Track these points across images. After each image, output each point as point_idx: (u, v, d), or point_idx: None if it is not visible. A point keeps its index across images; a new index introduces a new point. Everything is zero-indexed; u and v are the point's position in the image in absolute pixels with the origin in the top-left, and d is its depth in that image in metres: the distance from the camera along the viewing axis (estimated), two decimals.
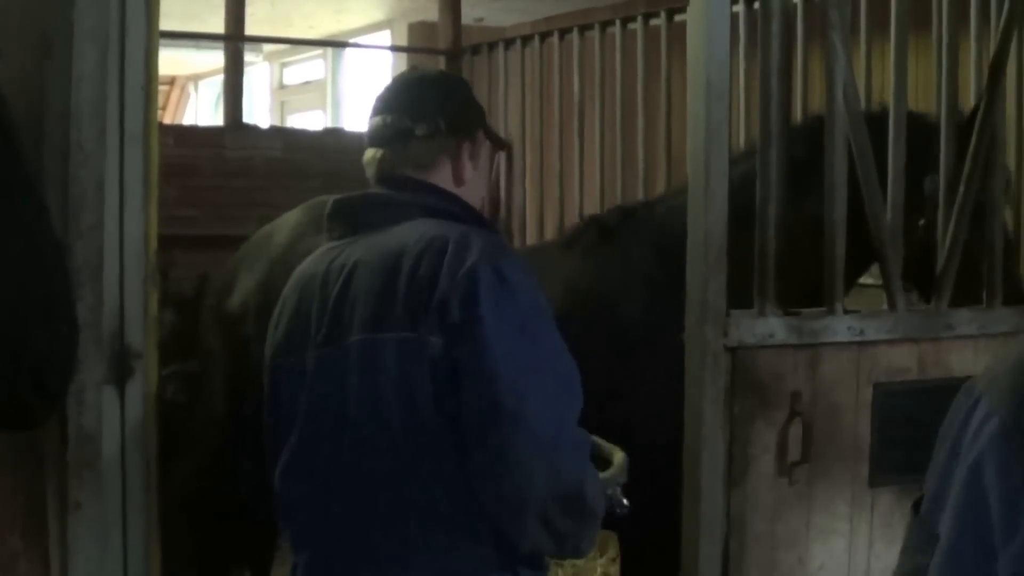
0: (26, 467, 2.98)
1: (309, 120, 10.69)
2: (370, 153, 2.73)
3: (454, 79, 3.01)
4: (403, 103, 2.68)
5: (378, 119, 2.70)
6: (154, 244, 3.20)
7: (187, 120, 11.28)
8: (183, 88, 12.57)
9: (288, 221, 4.99)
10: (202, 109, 12.67)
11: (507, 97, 6.92)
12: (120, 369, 3.09)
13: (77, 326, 2.41)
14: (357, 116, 10.56)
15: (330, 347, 2.56)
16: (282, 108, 11.31)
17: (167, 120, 8.87)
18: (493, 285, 2.38)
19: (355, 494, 2.50)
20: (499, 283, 2.39)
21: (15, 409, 2.22)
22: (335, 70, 10.98)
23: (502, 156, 6.26)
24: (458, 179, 2.67)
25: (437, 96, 2.70)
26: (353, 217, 2.70)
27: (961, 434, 1.34)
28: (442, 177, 2.66)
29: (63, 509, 3.00)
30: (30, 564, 2.98)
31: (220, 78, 8.65)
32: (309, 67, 11.46)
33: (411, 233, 2.53)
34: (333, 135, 7.49)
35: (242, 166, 6.68)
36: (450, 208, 2.62)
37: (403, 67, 9.42)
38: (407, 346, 2.42)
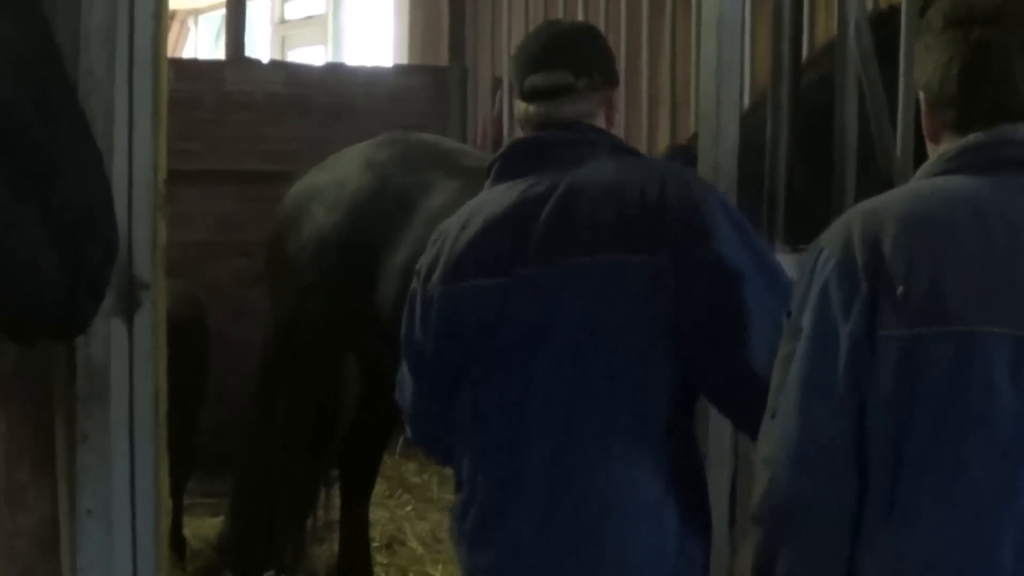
0: (34, 399, 2.97)
1: (310, 55, 10.60)
2: (530, 108, 2.84)
3: (594, 30, 3.14)
4: (560, 59, 2.81)
5: (537, 76, 2.81)
6: (163, 174, 3.17)
7: (187, 55, 11.17)
8: (183, 22, 12.48)
9: (360, 160, 4.93)
10: (202, 44, 12.58)
11: (511, 31, 6.86)
12: (128, 300, 3.08)
13: (118, 237, 2.54)
14: (358, 51, 10.48)
15: (544, 266, 2.68)
16: (283, 43, 11.21)
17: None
18: (720, 208, 2.65)
19: (556, 411, 2.63)
20: (723, 207, 2.67)
21: (73, 310, 2.36)
22: (336, 5, 10.88)
23: (503, 92, 6.22)
24: (610, 124, 2.87)
25: (590, 50, 2.88)
26: (540, 156, 2.80)
27: (812, 271, 2.04)
28: (600, 121, 2.85)
29: (71, 441, 2.99)
30: (38, 496, 2.98)
31: (220, 12, 8.58)
32: (310, 1, 11.35)
33: (621, 167, 2.73)
34: (335, 70, 7.43)
35: (243, 100, 6.63)
36: (629, 147, 2.86)
37: (405, 2, 9.33)
38: (642, 268, 2.61)
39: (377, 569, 5.52)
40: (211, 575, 5.32)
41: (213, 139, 6.50)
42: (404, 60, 8.86)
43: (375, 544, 5.68)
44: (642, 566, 2.60)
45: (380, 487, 6.41)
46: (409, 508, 6.13)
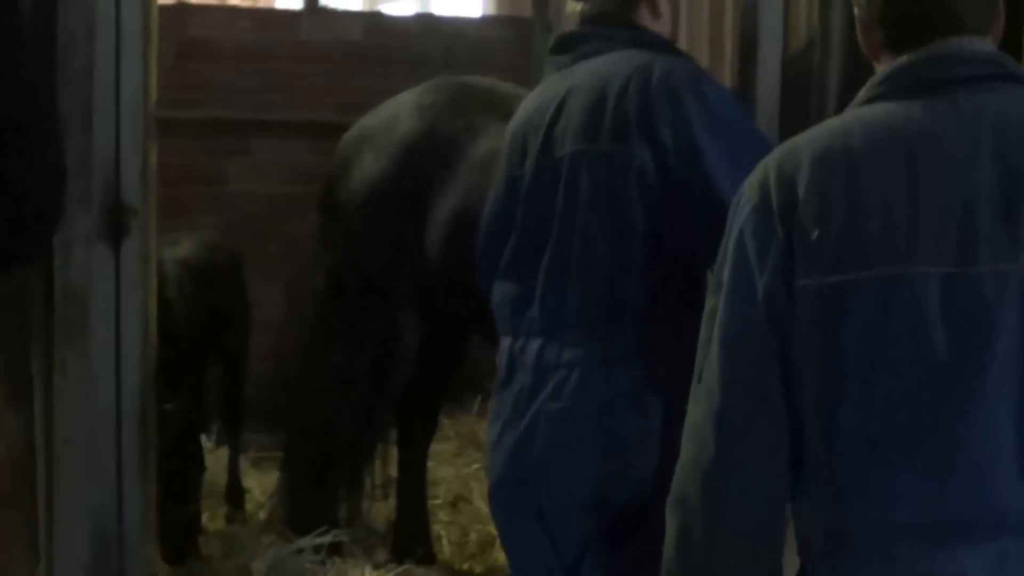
0: (10, 327, 2.88)
1: (400, 7, 10.41)
2: (575, 7, 2.86)
3: None
4: None
5: None
6: (153, 95, 3.07)
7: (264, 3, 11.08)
8: None
9: (409, 104, 4.82)
10: None
11: None
12: (115, 226, 2.99)
13: (65, 171, 2.40)
14: (448, 3, 10.29)
15: (543, 161, 2.73)
16: None
17: (245, 4, 8.70)
18: (700, 109, 2.58)
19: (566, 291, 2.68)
20: (704, 107, 2.60)
21: None
22: None
23: None
24: (655, 13, 2.82)
25: None
26: (570, 49, 2.82)
27: (733, 219, 1.89)
28: (640, 15, 2.81)
29: (48, 369, 2.92)
30: (14, 425, 2.88)
31: None
32: None
33: (619, 59, 2.71)
34: (421, 21, 7.30)
35: (321, 51, 6.53)
36: (653, 39, 2.80)
37: None
38: (615, 159, 2.61)
39: (439, 527, 5.39)
40: (272, 527, 5.21)
41: (290, 90, 6.42)
42: (493, 12, 8.70)
43: (438, 501, 5.55)
44: None
45: (450, 445, 6.28)
46: (477, 467, 5.97)
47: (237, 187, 6.22)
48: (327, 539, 4.87)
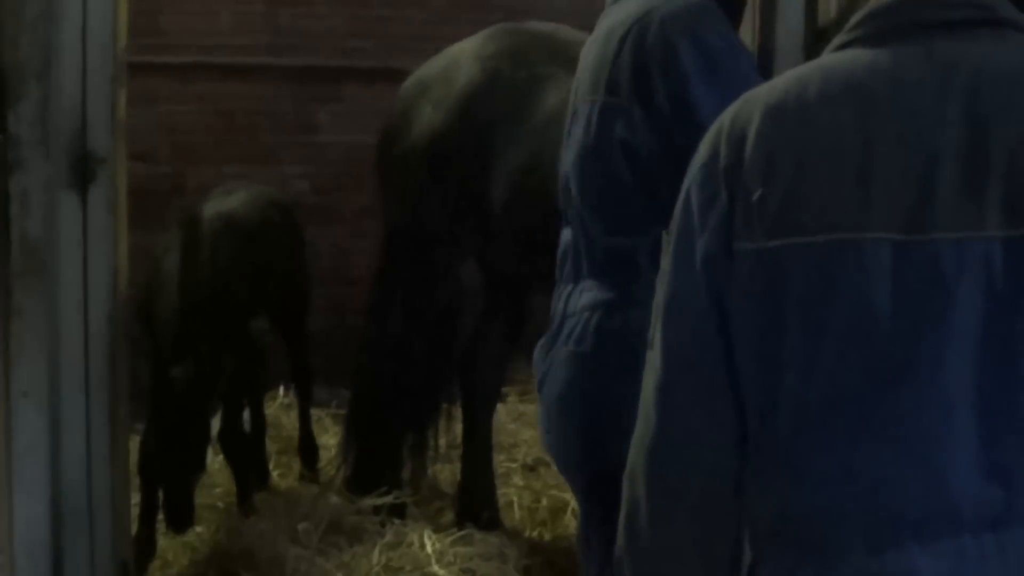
0: None
1: None
2: None
3: None
4: None
5: None
6: (123, 39, 2.98)
7: None
8: None
9: (470, 54, 4.67)
10: None
11: None
12: (81, 173, 2.91)
13: None
14: None
15: (572, 107, 2.74)
16: None
17: None
18: (696, 60, 2.53)
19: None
20: (701, 57, 2.54)
21: None
22: None
23: None
24: None
25: None
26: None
27: (687, 176, 1.71)
28: None
29: (6, 316, 2.86)
30: None
31: None
32: None
33: (632, 4, 2.64)
34: None
35: None
36: None
37: None
38: (607, 113, 2.59)
39: (511, 491, 5.25)
40: (335, 487, 5.13)
41: (383, 37, 6.30)
42: None
43: (515, 464, 5.42)
44: None
45: (534, 407, 6.15)
46: None
47: (328, 136, 6.13)
48: (388, 500, 4.78)
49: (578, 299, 2.65)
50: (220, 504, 4.93)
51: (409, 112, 4.68)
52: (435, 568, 4.58)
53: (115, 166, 2.95)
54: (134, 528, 4.25)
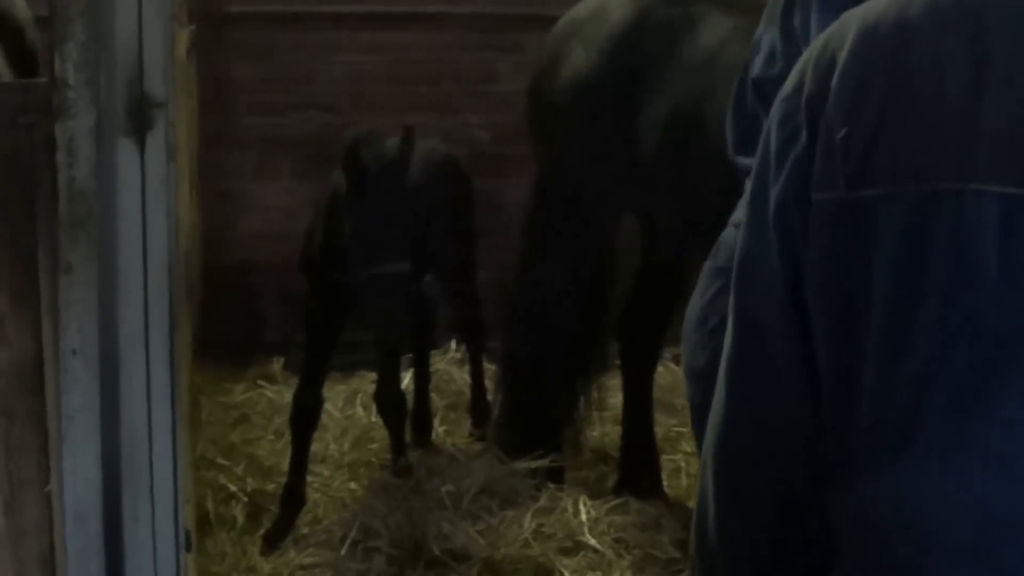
0: (15, 222, 2.71)
1: None
2: None
3: None
4: None
5: None
6: None
7: None
8: None
9: None
10: None
11: None
12: (139, 119, 2.76)
13: None
14: None
15: None
16: None
17: None
18: None
19: None
20: None
21: None
22: None
23: None
24: None
25: None
26: None
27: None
28: None
29: (55, 270, 2.73)
30: (18, 329, 2.73)
31: None
32: None
33: None
34: None
35: None
36: None
37: None
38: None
39: (679, 457, 4.99)
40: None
41: None
42: None
43: (686, 429, 5.12)
44: None
45: None
46: None
47: (508, 85, 5.90)
48: (543, 463, 4.60)
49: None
50: (375, 460, 4.82)
51: (559, 55, 4.44)
52: (586, 536, 4.39)
53: (175, 110, 2.78)
54: (273, 482, 4.25)
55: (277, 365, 5.57)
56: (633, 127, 4.09)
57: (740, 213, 2.50)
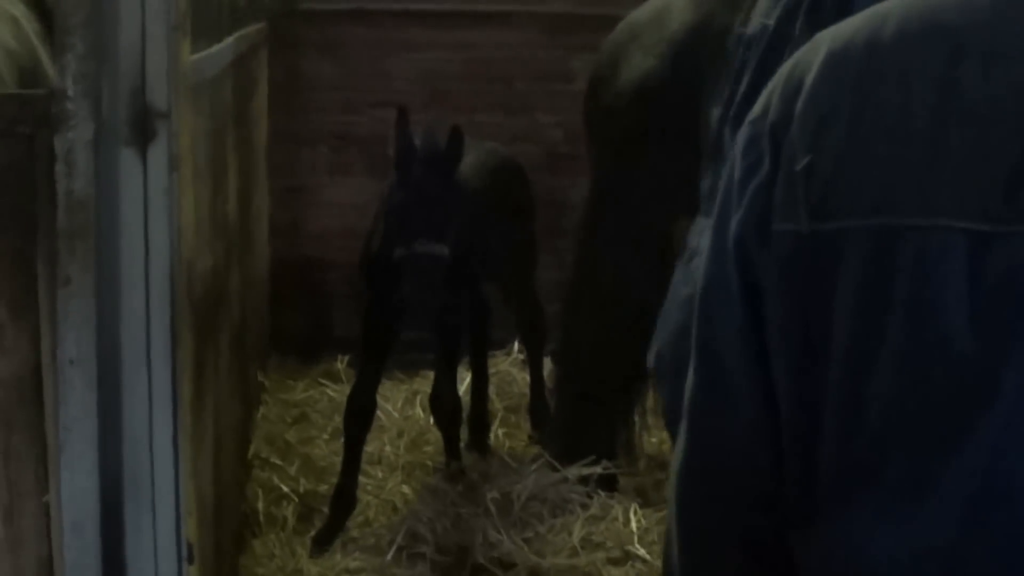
0: (14, 231, 2.71)
1: None
2: None
3: None
4: None
5: None
6: None
7: None
8: None
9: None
10: None
11: None
12: (141, 130, 2.74)
13: None
14: None
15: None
16: None
17: None
18: None
19: None
20: None
21: None
22: None
23: None
24: None
25: None
26: None
27: None
28: None
29: (54, 281, 2.73)
30: (17, 339, 2.73)
31: None
32: None
33: None
34: None
35: None
36: None
37: None
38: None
39: None
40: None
41: None
42: None
43: None
44: None
45: None
46: None
47: (582, 85, 5.82)
48: (595, 470, 4.54)
49: None
50: (429, 463, 4.80)
51: (618, 59, 4.38)
52: (636, 546, 4.32)
53: (178, 121, 2.76)
54: (326, 483, 4.25)
55: (341, 364, 5.57)
56: (691, 132, 4.01)
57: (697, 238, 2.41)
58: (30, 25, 3.40)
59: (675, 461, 1.38)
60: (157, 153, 2.74)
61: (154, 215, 2.75)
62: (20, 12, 3.40)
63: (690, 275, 2.49)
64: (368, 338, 4.50)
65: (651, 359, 2.69)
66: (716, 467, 1.33)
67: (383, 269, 4.27)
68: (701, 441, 1.35)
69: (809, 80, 1.26)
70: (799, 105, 1.26)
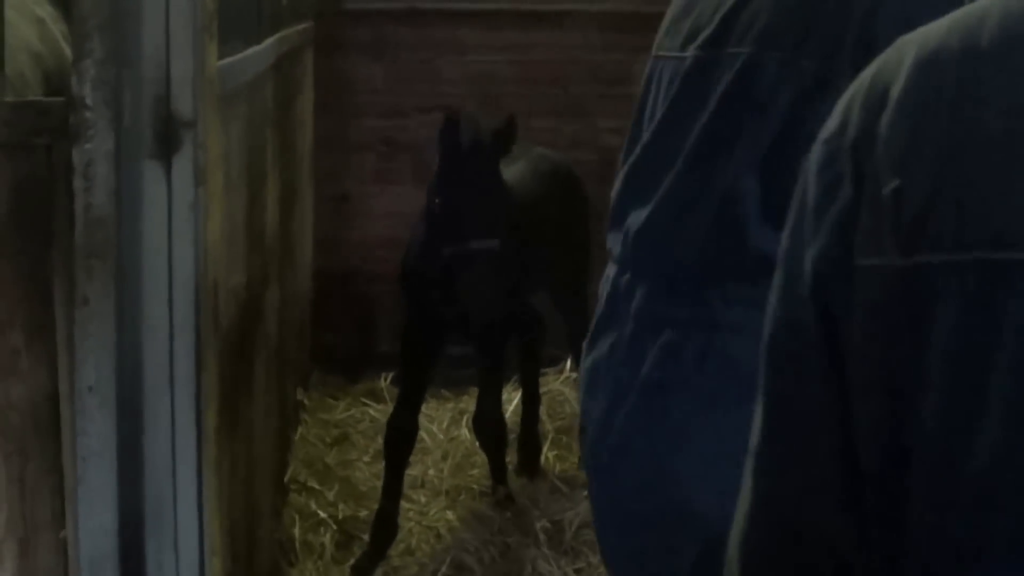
0: (29, 249, 2.54)
1: None
2: None
3: None
4: None
5: None
6: None
7: None
8: None
9: None
10: None
11: None
12: (165, 140, 2.57)
13: None
14: None
15: (709, 51, 2.30)
16: None
17: None
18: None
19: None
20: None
21: None
22: None
23: None
24: None
25: None
26: None
27: None
28: None
29: (71, 302, 2.55)
30: (33, 364, 2.56)
31: None
32: None
33: None
34: None
35: None
36: None
37: None
38: (789, 73, 2.18)
39: None
40: None
41: None
42: None
43: None
44: None
45: None
46: None
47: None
48: None
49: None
50: (475, 487, 4.60)
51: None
52: None
53: (205, 131, 2.58)
54: (366, 509, 4.10)
55: (385, 381, 5.36)
56: None
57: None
58: (57, 26, 3.23)
59: (738, 526, 1.23)
60: (182, 165, 2.58)
61: (178, 232, 2.59)
62: (47, 13, 3.24)
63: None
64: (409, 354, 4.30)
65: None
66: (785, 531, 1.17)
67: (425, 276, 4.07)
68: (770, 501, 1.19)
69: (896, 91, 1.11)
70: (884, 119, 1.11)
